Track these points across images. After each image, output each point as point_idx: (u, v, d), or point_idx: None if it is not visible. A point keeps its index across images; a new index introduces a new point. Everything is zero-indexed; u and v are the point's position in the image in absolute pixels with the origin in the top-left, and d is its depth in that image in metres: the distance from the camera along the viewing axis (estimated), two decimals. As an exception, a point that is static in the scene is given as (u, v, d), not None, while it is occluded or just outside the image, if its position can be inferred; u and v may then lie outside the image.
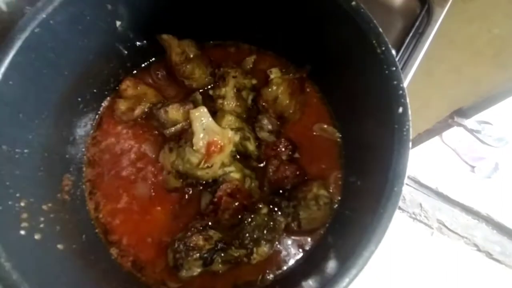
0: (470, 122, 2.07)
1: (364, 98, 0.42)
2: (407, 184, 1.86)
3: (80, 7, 0.42)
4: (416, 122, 1.21)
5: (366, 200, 0.40)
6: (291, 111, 0.53)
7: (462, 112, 1.10)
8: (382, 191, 0.33)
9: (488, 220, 1.76)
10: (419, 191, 1.85)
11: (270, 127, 0.51)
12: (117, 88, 0.57)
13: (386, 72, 0.34)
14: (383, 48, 0.34)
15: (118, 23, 0.49)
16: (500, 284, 1.68)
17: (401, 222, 1.79)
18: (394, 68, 0.34)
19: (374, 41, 0.35)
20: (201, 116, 0.46)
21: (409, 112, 0.32)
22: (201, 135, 0.45)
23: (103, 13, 0.46)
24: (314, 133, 0.55)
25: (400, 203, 1.84)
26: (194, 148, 0.45)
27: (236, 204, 0.47)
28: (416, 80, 1.08)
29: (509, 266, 1.70)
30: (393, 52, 0.34)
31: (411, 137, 0.31)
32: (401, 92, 0.33)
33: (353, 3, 0.36)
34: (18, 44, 0.37)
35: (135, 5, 0.49)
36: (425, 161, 1.87)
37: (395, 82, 0.33)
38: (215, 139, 0.46)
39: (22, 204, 0.38)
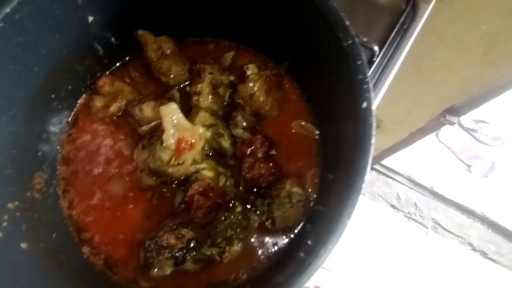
0: (466, 121, 2.07)
1: (337, 93, 0.41)
2: (402, 183, 1.85)
3: (48, 1, 0.41)
4: (408, 120, 1.21)
5: (335, 194, 0.39)
6: (267, 108, 0.52)
7: (454, 110, 1.09)
8: (345, 186, 0.32)
9: (483, 219, 1.75)
10: (414, 190, 1.85)
11: (244, 124, 0.50)
12: (93, 84, 0.56)
13: (352, 66, 0.33)
14: (350, 42, 0.33)
15: (90, 18, 0.48)
16: (495, 283, 1.66)
17: (396, 222, 1.79)
18: (360, 62, 0.33)
19: (341, 34, 0.34)
20: (171, 113, 0.45)
21: (373, 107, 0.31)
22: (171, 132, 0.44)
23: (74, 7, 0.45)
24: (293, 130, 0.54)
25: (395, 203, 1.83)
26: (164, 144, 0.44)
27: (209, 202, 0.46)
28: (407, 78, 1.07)
29: (504, 266, 1.69)
30: (360, 46, 0.33)
31: (373, 134, 0.30)
32: (365, 86, 0.32)
33: (321, -4, 0.36)
34: (-22, 38, 0.36)
35: (108, 0, 0.48)
36: (420, 160, 1.86)
37: (360, 76, 0.32)
38: (185, 135, 0.45)
39: (-16, 201, 0.37)
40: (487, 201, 1.76)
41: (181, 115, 0.44)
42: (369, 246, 1.71)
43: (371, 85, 0.32)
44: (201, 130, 0.45)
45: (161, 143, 0.43)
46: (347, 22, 0.34)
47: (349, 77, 0.34)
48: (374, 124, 0.31)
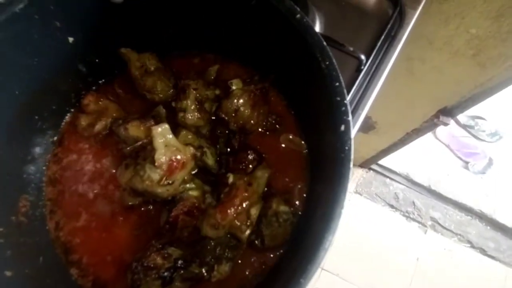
0: (463, 117, 2.06)
1: (318, 110, 0.41)
2: (399, 182, 1.85)
3: (24, 26, 0.41)
4: (403, 122, 1.20)
5: (319, 209, 0.39)
6: (253, 123, 0.52)
7: (447, 111, 1.09)
8: (329, 202, 0.32)
9: (481, 217, 1.75)
10: (412, 189, 1.84)
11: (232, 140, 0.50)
12: (78, 103, 0.56)
13: (330, 87, 0.33)
14: (327, 63, 0.33)
15: (71, 39, 0.48)
16: (495, 280, 1.67)
17: (395, 221, 1.79)
18: (337, 84, 0.32)
19: (318, 55, 0.34)
20: (163, 133, 0.45)
21: (351, 130, 0.31)
22: (163, 151, 0.44)
23: (52, 30, 0.44)
24: (282, 145, 0.54)
25: (393, 202, 1.83)
26: (156, 164, 0.44)
27: (195, 222, 0.46)
28: (399, 81, 1.07)
29: (504, 262, 1.69)
30: (337, 67, 0.33)
31: (351, 159, 0.30)
32: (343, 109, 0.31)
33: (298, 16, 0.35)
34: (-47, 69, 0.36)
35: (87, 20, 0.48)
36: (417, 159, 1.86)
37: (338, 98, 0.32)
38: (177, 156, 0.45)
39: (-34, 232, 0.37)
40: (485, 198, 1.76)
41: (172, 135, 0.44)
42: (367, 246, 1.71)
43: (349, 107, 0.31)
44: (192, 150, 0.45)
45: (152, 162, 0.43)
46: (324, 43, 0.34)
47: (328, 98, 0.33)
48: (352, 148, 0.30)
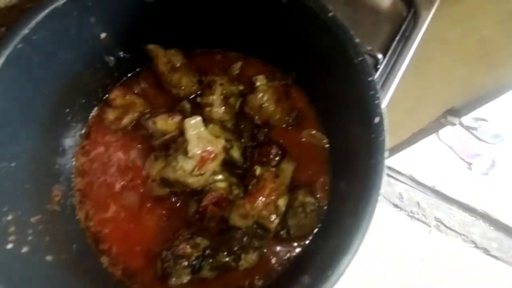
0: (466, 119, 2.08)
1: (346, 105, 0.43)
2: (404, 182, 1.87)
3: (64, 21, 0.43)
4: (409, 122, 1.22)
5: (349, 203, 0.40)
6: (276, 118, 0.53)
7: (455, 111, 1.10)
8: (361, 197, 0.34)
9: (485, 217, 1.77)
10: (416, 190, 1.86)
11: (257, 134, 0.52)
12: (105, 98, 0.57)
13: (363, 82, 0.34)
14: (360, 59, 0.35)
15: (103, 35, 0.49)
16: (498, 280, 1.68)
17: (399, 221, 1.80)
18: (370, 79, 0.34)
19: (351, 52, 0.36)
20: (196, 125, 0.47)
21: (385, 122, 0.33)
22: (195, 143, 0.46)
23: (87, 26, 0.46)
24: (303, 139, 0.56)
25: (398, 202, 1.85)
26: (189, 155, 0.45)
27: (223, 212, 0.48)
28: (407, 81, 1.08)
29: (507, 262, 1.71)
30: (371, 61, 0.34)
31: (386, 148, 0.32)
32: (377, 102, 0.33)
33: (331, 14, 0.37)
34: (1, 61, 0.37)
35: (119, 17, 0.49)
36: (422, 159, 1.87)
37: (371, 92, 0.34)
38: (209, 148, 0.46)
39: (10, 217, 0.38)
40: (489, 199, 1.78)
41: (204, 128, 0.46)
42: (371, 246, 1.73)
43: (381, 100, 0.33)
44: (223, 143, 0.46)
45: (185, 153, 0.44)
46: (357, 40, 0.36)
47: (360, 93, 0.35)
48: (387, 139, 0.32)
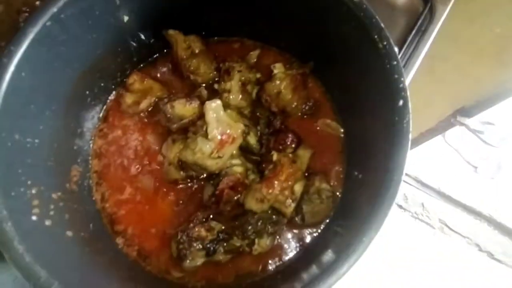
0: (473, 122, 2.07)
1: (366, 92, 0.43)
2: (409, 183, 1.86)
3: (90, 1, 0.43)
4: (418, 121, 1.21)
5: (366, 191, 0.41)
6: (293, 106, 0.54)
7: (465, 111, 1.10)
8: (382, 182, 0.34)
9: (490, 221, 1.76)
10: (421, 191, 1.86)
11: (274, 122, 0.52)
12: (123, 81, 0.58)
13: (388, 66, 0.35)
14: (385, 43, 0.35)
15: (126, 18, 0.50)
16: (502, 285, 1.68)
17: (403, 222, 1.80)
18: (395, 62, 0.34)
19: (376, 36, 0.36)
20: (216, 108, 0.47)
21: (409, 105, 0.33)
22: (215, 125, 0.47)
23: (112, 7, 0.47)
24: (318, 128, 0.56)
25: (402, 203, 1.84)
26: (209, 137, 0.46)
27: (238, 196, 0.48)
28: (418, 79, 1.08)
29: (511, 266, 1.70)
30: (395, 47, 0.35)
31: (411, 131, 0.32)
32: (401, 85, 0.33)
33: (356, -1, 0.37)
34: (30, 37, 0.38)
35: (142, 1, 0.50)
36: (427, 161, 1.87)
37: (396, 76, 0.34)
38: (228, 131, 0.47)
39: (34, 191, 0.39)
40: (494, 202, 1.77)
41: (223, 112, 0.46)
42: (375, 246, 1.72)
43: (406, 84, 0.33)
44: (242, 127, 0.47)
45: (205, 136, 0.45)
46: (382, 24, 0.36)
47: (384, 77, 0.35)
48: (411, 122, 0.32)
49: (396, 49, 0.35)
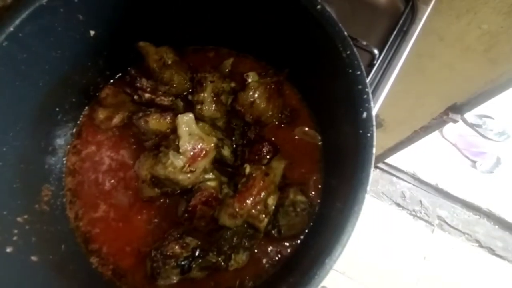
0: (471, 116, 2.05)
1: (336, 101, 0.42)
2: (406, 181, 1.85)
3: (50, 19, 0.42)
4: (411, 119, 1.21)
5: (338, 201, 0.39)
6: (268, 115, 0.52)
7: (457, 108, 1.08)
8: (348, 194, 0.33)
9: (489, 216, 1.74)
10: (419, 188, 1.84)
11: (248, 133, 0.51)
12: (96, 95, 0.57)
13: (351, 76, 0.33)
14: (348, 52, 0.34)
15: (92, 32, 0.49)
16: (503, 280, 1.65)
17: (402, 220, 1.78)
18: (359, 72, 0.33)
19: (339, 45, 0.34)
20: (188, 122, 0.46)
21: (373, 117, 0.31)
22: (187, 139, 0.46)
23: (75, 23, 0.45)
24: (296, 137, 0.55)
25: (400, 201, 1.82)
26: (180, 150, 0.45)
27: (212, 212, 0.47)
28: (408, 78, 1.07)
29: (512, 262, 1.68)
30: (359, 57, 0.33)
31: (374, 145, 0.31)
32: (365, 96, 0.32)
33: (319, 7, 0.36)
34: (-16, 58, 0.37)
35: (108, 14, 0.49)
36: (424, 157, 1.85)
37: (359, 87, 0.33)
38: (200, 145, 0.46)
39: (-6, 217, 0.38)
40: (493, 197, 1.75)
41: (195, 125, 0.45)
42: (374, 245, 1.71)
43: (370, 95, 0.32)
44: (215, 140, 0.46)
45: (176, 149, 0.44)
46: (346, 33, 0.34)
47: (349, 87, 0.34)
48: (374, 134, 0.31)
49: (359, 59, 0.33)
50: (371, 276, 1.65)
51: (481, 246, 1.72)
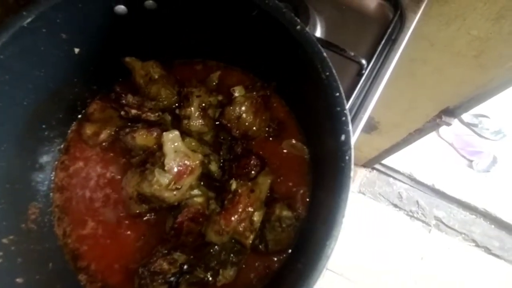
0: (467, 116, 2.05)
1: (320, 119, 0.42)
2: (403, 182, 1.85)
3: (32, 39, 0.42)
4: (405, 122, 1.21)
5: (322, 215, 0.40)
6: (255, 129, 0.52)
7: (450, 112, 1.09)
8: (329, 213, 0.33)
9: (486, 215, 1.75)
10: (415, 189, 1.84)
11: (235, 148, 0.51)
12: (84, 111, 0.57)
13: (330, 97, 0.33)
14: (327, 73, 0.34)
15: (76, 50, 0.49)
16: (500, 279, 1.66)
17: (398, 221, 1.79)
18: (337, 94, 0.33)
19: (318, 66, 0.34)
20: (173, 139, 0.46)
21: (351, 140, 0.31)
22: (173, 156, 0.46)
23: (58, 42, 0.45)
24: (284, 150, 0.55)
25: (397, 201, 1.83)
26: (166, 168, 0.45)
27: (199, 228, 0.47)
28: (401, 82, 1.07)
29: (508, 261, 1.69)
30: (337, 79, 0.33)
31: (352, 168, 0.31)
32: (343, 119, 0.32)
33: (298, 27, 0.36)
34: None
35: (92, 32, 0.48)
36: (421, 158, 1.85)
37: (338, 109, 0.33)
38: (186, 162, 0.46)
39: (-22, 240, 0.38)
40: (490, 197, 1.76)
41: (181, 142, 0.45)
42: (371, 246, 1.72)
43: (349, 117, 0.32)
44: (200, 157, 0.46)
45: (162, 167, 0.44)
46: (325, 55, 0.34)
47: (328, 107, 0.34)
48: (352, 158, 0.31)
49: (338, 80, 0.33)
50: (369, 277, 1.66)
51: (477, 245, 1.72)
